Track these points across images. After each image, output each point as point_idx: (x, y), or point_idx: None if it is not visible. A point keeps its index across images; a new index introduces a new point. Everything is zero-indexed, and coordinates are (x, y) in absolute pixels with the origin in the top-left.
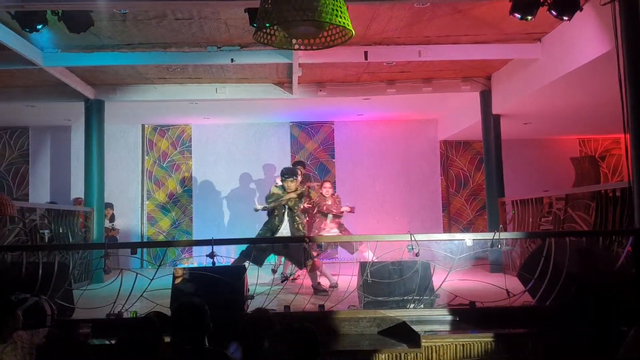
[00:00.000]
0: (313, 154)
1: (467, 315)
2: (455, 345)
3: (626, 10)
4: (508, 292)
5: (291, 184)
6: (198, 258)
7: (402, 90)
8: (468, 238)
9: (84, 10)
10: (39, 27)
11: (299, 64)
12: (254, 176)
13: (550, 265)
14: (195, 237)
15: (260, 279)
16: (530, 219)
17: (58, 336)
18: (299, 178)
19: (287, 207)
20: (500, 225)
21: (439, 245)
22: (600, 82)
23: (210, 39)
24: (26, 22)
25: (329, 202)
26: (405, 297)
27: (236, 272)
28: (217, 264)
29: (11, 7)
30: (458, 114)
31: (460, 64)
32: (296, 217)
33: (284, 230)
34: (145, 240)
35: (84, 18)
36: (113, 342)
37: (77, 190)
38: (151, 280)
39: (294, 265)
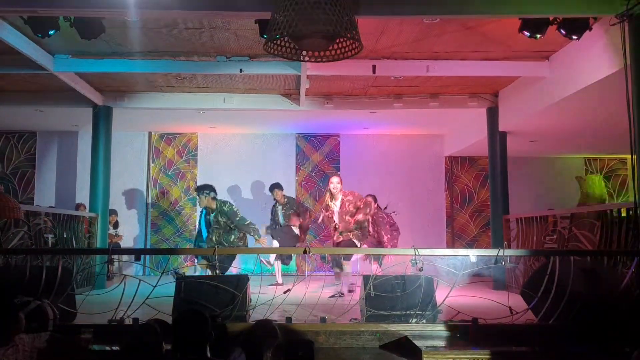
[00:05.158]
0: (318, 166)
1: (469, 331)
2: None
3: (635, 31)
4: (511, 309)
5: (203, 200)
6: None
7: (409, 104)
8: (472, 254)
9: (96, 17)
10: (51, 32)
11: (307, 75)
12: (259, 186)
13: (554, 284)
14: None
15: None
16: (535, 237)
17: (59, 340)
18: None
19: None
20: (505, 242)
21: (442, 261)
22: (608, 102)
23: (219, 49)
24: (38, 27)
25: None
26: (407, 312)
27: (239, 281)
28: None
29: (24, 12)
30: (464, 130)
31: (468, 80)
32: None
33: None
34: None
35: (96, 25)
36: (114, 348)
37: (82, 195)
38: (154, 287)
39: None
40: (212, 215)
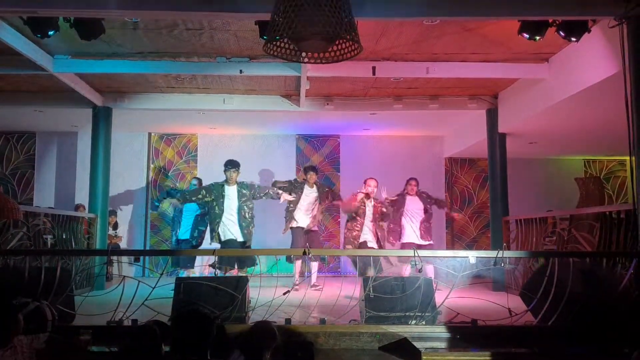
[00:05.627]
0: (318, 167)
1: (469, 333)
2: None
3: (634, 33)
4: (510, 311)
5: (234, 174)
6: (199, 268)
7: (409, 106)
8: (471, 255)
9: (95, 17)
10: (51, 33)
11: (307, 77)
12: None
13: (553, 285)
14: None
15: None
16: (534, 239)
17: (58, 342)
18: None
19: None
20: (504, 244)
21: (442, 262)
22: (607, 104)
23: (219, 50)
24: (38, 28)
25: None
26: (407, 313)
27: (238, 282)
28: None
29: (23, 13)
30: (464, 132)
31: (468, 82)
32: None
33: None
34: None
35: (96, 25)
36: (113, 349)
37: (82, 196)
38: (153, 288)
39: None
40: (236, 192)
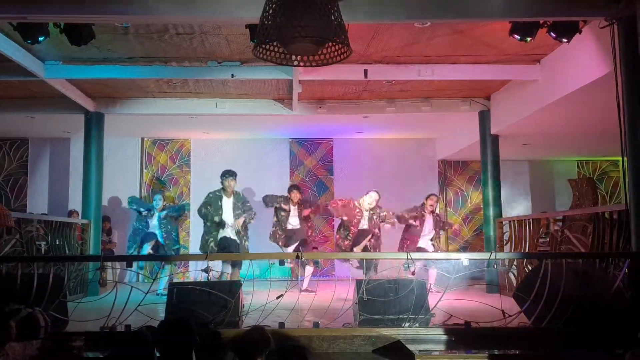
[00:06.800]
0: (312, 171)
1: (462, 335)
2: None
3: (624, 34)
4: (504, 312)
5: (232, 182)
6: (193, 273)
7: (402, 109)
8: (464, 257)
9: (85, 23)
10: (41, 39)
11: (299, 80)
12: (253, 192)
13: (547, 287)
14: (191, 252)
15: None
16: (528, 240)
17: (51, 348)
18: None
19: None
20: (497, 245)
21: (435, 265)
22: (599, 105)
23: (211, 54)
24: (28, 33)
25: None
26: (400, 316)
27: (231, 287)
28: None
29: (13, 19)
30: (457, 134)
31: (460, 84)
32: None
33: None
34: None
35: (86, 31)
36: (106, 355)
37: (75, 202)
38: (146, 293)
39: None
40: (231, 205)
